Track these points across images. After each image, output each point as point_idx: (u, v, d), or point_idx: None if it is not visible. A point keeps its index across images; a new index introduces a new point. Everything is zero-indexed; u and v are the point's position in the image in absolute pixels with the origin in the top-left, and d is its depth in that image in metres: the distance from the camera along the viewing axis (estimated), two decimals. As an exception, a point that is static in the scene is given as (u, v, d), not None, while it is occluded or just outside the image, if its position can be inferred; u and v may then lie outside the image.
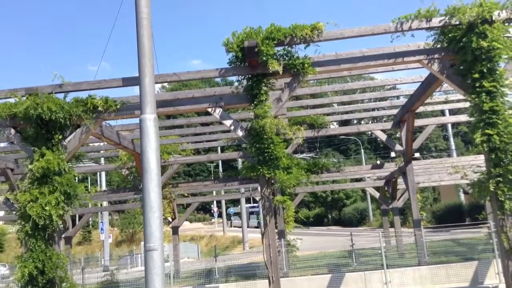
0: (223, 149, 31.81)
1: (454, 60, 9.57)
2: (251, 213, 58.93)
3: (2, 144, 17.70)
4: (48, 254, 9.04)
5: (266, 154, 9.41)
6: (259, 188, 25.83)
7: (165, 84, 70.67)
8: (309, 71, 9.48)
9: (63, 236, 15.39)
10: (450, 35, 9.29)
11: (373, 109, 18.75)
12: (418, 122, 15.90)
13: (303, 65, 9.45)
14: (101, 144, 16.69)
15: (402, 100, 15.87)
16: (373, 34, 9.32)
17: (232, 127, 10.08)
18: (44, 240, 9.12)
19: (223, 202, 52.88)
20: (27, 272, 8.78)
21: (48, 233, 9.14)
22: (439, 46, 9.55)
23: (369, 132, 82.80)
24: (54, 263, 9.03)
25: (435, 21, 9.23)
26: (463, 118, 15.87)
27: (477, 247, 16.74)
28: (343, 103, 17.01)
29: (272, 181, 9.67)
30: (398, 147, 15.75)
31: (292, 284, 14.11)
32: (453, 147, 40.74)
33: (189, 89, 12.84)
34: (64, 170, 9.32)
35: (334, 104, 17.28)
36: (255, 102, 9.60)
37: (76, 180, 9.89)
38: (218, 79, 70.03)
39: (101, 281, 17.57)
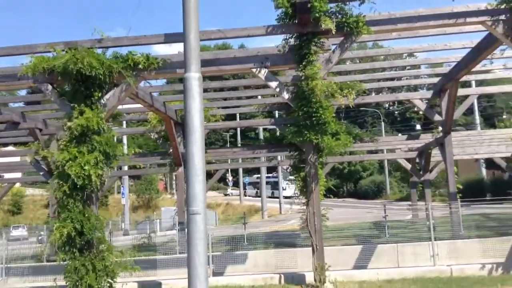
0: (244, 117, 31.32)
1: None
2: (266, 182, 58.85)
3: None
4: (86, 215, 8.75)
5: (314, 119, 8.94)
6: (279, 157, 25.35)
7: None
8: (363, 30, 8.90)
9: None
10: (518, -6, 8.63)
11: (407, 78, 17.93)
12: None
13: (357, 24, 8.88)
14: (125, 106, 16.24)
15: (444, 68, 15.10)
16: (435, -9, 8.68)
17: (278, 89, 9.60)
18: (82, 200, 8.83)
19: (240, 171, 52.75)
20: (66, 232, 8.51)
21: (87, 193, 8.86)
22: (503, 7, 8.88)
23: (386, 105, 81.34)
24: (93, 224, 8.74)
25: (502, -21, 8.56)
26: (507, 88, 15.15)
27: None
28: (383, 69, 16.30)
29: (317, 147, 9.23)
30: (436, 117, 15.11)
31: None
32: (478, 121, 39.79)
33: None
34: (103, 129, 8.96)
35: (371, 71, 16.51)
36: (303, 63, 9.07)
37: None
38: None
39: (137, 244, 17.53)
